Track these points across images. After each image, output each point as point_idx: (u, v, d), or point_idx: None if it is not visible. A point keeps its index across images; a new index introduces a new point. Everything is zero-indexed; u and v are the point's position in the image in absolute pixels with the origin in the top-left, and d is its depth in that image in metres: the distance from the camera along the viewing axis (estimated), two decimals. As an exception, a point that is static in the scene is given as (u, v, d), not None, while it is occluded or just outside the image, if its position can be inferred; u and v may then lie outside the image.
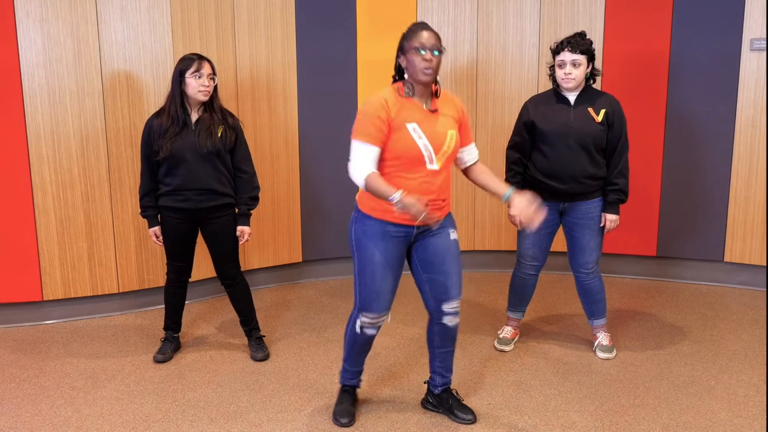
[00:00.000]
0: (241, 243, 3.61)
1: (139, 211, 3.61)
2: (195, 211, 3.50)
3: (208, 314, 4.33)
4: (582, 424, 3.04)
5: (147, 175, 3.52)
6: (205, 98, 3.43)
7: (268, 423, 3.07)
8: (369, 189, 2.70)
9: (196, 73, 3.39)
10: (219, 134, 3.45)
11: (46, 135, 3.97)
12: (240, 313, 3.75)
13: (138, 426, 3.04)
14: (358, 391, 3.22)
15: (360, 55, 4.74)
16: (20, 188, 3.98)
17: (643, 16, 4.62)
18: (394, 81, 2.85)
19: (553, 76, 3.54)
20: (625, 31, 4.66)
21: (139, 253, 4.28)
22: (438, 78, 2.81)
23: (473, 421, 3.05)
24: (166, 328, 3.77)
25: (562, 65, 3.44)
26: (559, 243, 3.96)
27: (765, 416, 3.10)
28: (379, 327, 2.97)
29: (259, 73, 4.51)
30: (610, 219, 3.55)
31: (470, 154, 2.96)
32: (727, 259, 4.75)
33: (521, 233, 3.68)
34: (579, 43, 3.40)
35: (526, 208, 2.73)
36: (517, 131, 3.60)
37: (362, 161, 2.71)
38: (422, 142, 2.73)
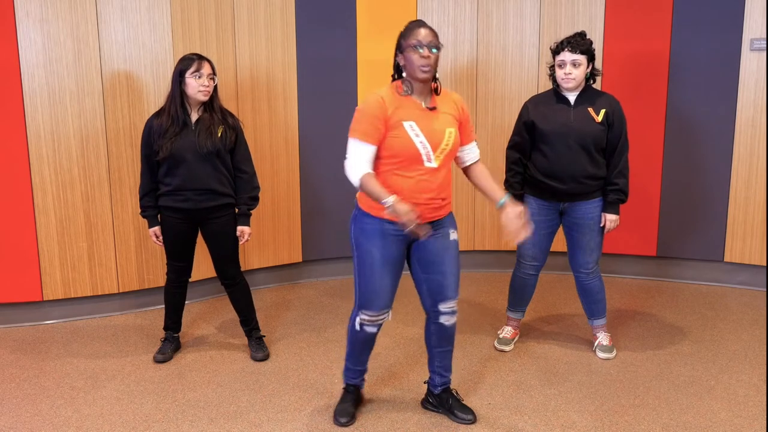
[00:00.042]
0: (241, 243, 3.61)
1: (139, 211, 3.61)
2: (195, 211, 3.50)
3: (208, 314, 4.33)
4: (582, 424, 3.04)
5: (147, 175, 3.52)
6: (205, 98, 3.43)
7: (268, 423, 3.07)
8: (363, 189, 2.72)
9: (196, 73, 3.39)
10: (219, 134, 3.45)
11: (46, 135, 3.97)
12: (240, 313, 3.75)
13: (138, 426, 3.04)
14: (363, 392, 3.22)
15: (360, 55, 4.74)
16: (20, 188, 3.98)
17: (643, 16, 4.62)
18: (394, 80, 2.85)
19: (553, 76, 3.53)
20: (625, 31, 4.66)
21: (139, 253, 4.28)
22: (438, 75, 2.82)
23: (473, 421, 3.05)
24: (166, 328, 3.77)
25: (562, 65, 3.44)
26: (559, 243, 3.95)
27: (765, 416, 3.10)
28: (379, 325, 2.97)
29: (259, 73, 4.51)
30: (610, 219, 3.55)
31: (470, 154, 2.95)
32: (727, 259, 4.75)
33: (521, 233, 3.67)
34: (579, 43, 3.40)
35: (514, 221, 2.75)
36: (517, 131, 3.60)
37: (358, 160, 2.73)
38: (419, 140, 2.73)
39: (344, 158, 2.78)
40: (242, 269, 3.74)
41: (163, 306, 3.76)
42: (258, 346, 3.72)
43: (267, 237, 4.73)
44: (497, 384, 3.40)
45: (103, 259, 4.20)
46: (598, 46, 4.62)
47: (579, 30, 3.52)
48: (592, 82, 3.54)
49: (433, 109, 2.78)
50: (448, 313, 2.97)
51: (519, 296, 3.81)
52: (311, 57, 4.66)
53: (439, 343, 3.05)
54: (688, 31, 4.56)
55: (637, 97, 4.67)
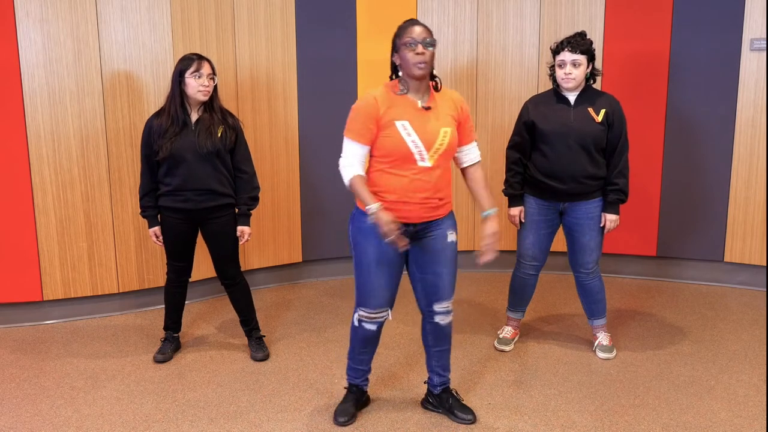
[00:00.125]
0: (241, 243, 3.61)
1: (139, 211, 3.61)
2: (195, 212, 3.50)
3: (208, 314, 4.33)
4: (582, 424, 3.04)
5: (147, 175, 3.52)
6: (205, 98, 3.43)
7: (268, 423, 3.07)
8: (352, 191, 2.76)
9: (196, 73, 3.39)
10: (219, 134, 3.45)
11: (46, 135, 3.97)
12: (240, 313, 3.75)
13: (138, 426, 3.04)
14: (368, 395, 3.22)
15: (360, 55, 4.74)
16: (20, 188, 3.98)
17: (643, 16, 4.62)
18: (391, 80, 2.86)
19: (553, 76, 3.54)
20: (625, 31, 4.66)
21: (139, 253, 4.28)
22: (436, 73, 2.82)
23: (473, 421, 3.05)
24: (166, 328, 3.77)
25: (562, 65, 3.44)
26: (559, 243, 3.96)
27: (765, 416, 3.10)
28: (379, 324, 2.97)
29: (259, 73, 4.51)
30: (610, 219, 3.55)
31: (469, 155, 2.94)
32: (727, 259, 4.75)
33: (521, 233, 3.68)
34: (579, 43, 3.40)
35: (486, 238, 2.85)
36: (517, 131, 3.60)
37: (350, 159, 2.77)
38: (411, 139, 2.73)
39: (343, 158, 2.80)
40: (242, 269, 3.74)
41: (163, 306, 3.76)
42: (258, 346, 3.72)
43: (267, 237, 4.73)
44: (497, 384, 3.40)
45: (103, 259, 4.20)
46: (598, 46, 4.62)
47: (579, 30, 3.52)
48: (592, 82, 3.54)
49: (428, 108, 2.78)
50: (443, 312, 2.97)
51: (519, 296, 3.81)
52: (311, 57, 4.66)
53: (436, 342, 3.05)
54: (688, 31, 4.56)
55: (637, 97, 4.67)
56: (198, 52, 3.67)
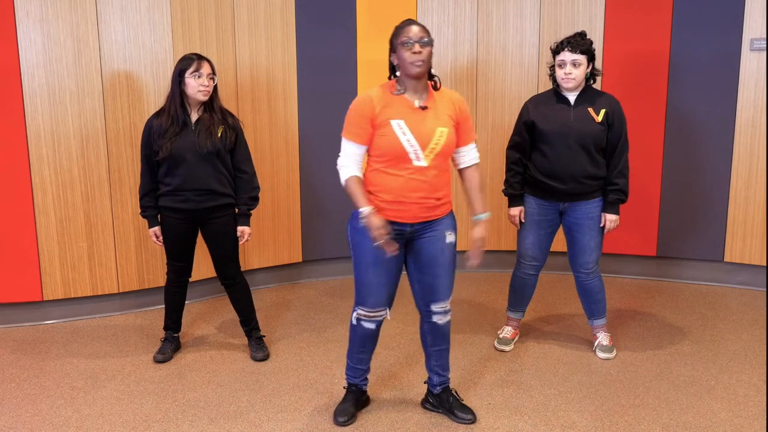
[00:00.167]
0: (241, 243, 3.61)
1: (139, 211, 3.61)
2: (195, 212, 3.50)
3: (208, 314, 4.33)
4: (582, 424, 3.04)
5: (147, 175, 3.52)
6: (205, 98, 3.43)
7: (268, 423, 3.07)
8: (346, 192, 2.80)
9: (196, 73, 3.39)
10: (219, 134, 3.45)
11: (46, 135, 3.97)
12: (240, 313, 3.75)
13: (138, 426, 3.04)
14: (369, 394, 3.22)
15: (360, 55, 4.74)
16: (20, 188, 3.98)
17: (643, 16, 4.62)
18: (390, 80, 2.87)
19: (553, 76, 3.54)
20: (625, 31, 4.66)
21: (139, 253, 4.28)
22: (435, 72, 2.83)
23: (473, 421, 3.05)
24: (166, 328, 3.77)
25: (562, 65, 3.44)
26: (559, 243, 3.96)
27: (765, 416, 3.10)
28: (377, 322, 2.97)
29: (259, 73, 4.51)
30: (610, 219, 3.55)
31: (466, 156, 2.94)
32: (727, 259, 4.75)
33: (521, 233, 3.68)
34: (579, 43, 3.40)
35: (473, 243, 2.87)
36: (517, 131, 3.60)
37: (347, 160, 2.81)
38: (406, 139, 2.73)
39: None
40: (242, 269, 3.74)
41: (163, 306, 3.76)
42: (258, 346, 3.72)
43: (267, 237, 4.73)
44: (497, 384, 3.40)
45: (103, 259, 4.20)
46: (598, 46, 4.62)
47: (579, 30, 3.52)
48: (592, 82, 3.54)
49: (424, 108, 2.78)
50: (441, 312, 2.98)
51: (519, 296, 3.81)
52: (311, 57, 4.66)
53: (434, 342, 3.05)
54: (688, 31, 4.56)
55: (637, 97, 4.67)
56: (198, 52, 3.67)
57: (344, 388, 3.18)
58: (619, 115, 3.49)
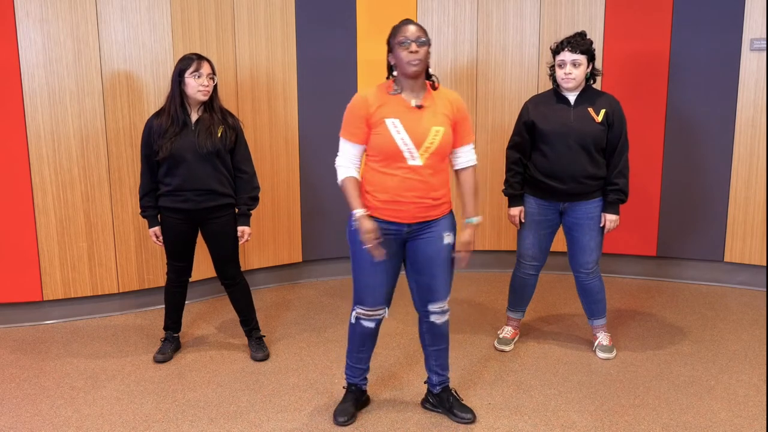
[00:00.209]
0: (241, 243, 3.61)
1: (139, 211, 3.61)
2: (195, 212, 3.50)
3: (208, 314, 4.33)
4: (582, 424, 3.04)
5: (147, 175, 3.52)
6: (205, 98, 3.43)
7: (268, 423, 3.07)
8: (342, 192, 2.83)
9: (196, 73, 3.39)
10: (219, 134, 3.45)
11: (46, 135, 3.97)
12: (240, 313, 3.75)
13: (138, 426, 3.04)
14: (368, 393, 3.22)
15: (360, 55, 4.74)
16: (20, 188, 3.98)
17: (643, 16, 4.62)
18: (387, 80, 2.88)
19: (553, 76, 3.54)
20: (625, 31, 4.66)
21: (139, 253, 4.28)
22: (432, 72, 2.83)
23: (473, 420, 3.05)
24: (166, 328, 3.77)
25: (562, 65, 3.44)
26: (559, 243, 3.96)
27: (765, 416, 3.10)
28: (376, 321, 2.98)
29: (259, 73, 4.51)
30: (610, 219, 3.55)
31: (462, 157, 2.93)
32: (727, 259, 4.75)
33: (521, 233, 3.68)
34: (579, 43, 3.40)
35: (461, 246, 2.89)
36: (517, 131, 3.60)
37: (344, 160, 2.85)
38: (400, 137, 2.74)
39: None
40: (242, 269, 3.74)
41: (163, 306, 3.76)
42: (258, 346, 3.72)
43: (267, 237, 4.73)
44: (497, 384, 3.40)
45: (103, 259, 4.20)
46: (598, 46, 4.62)
47: (579, 30, 3.52)
48: (592, 82, 3.54)
49: (420, 107, 2.78)
50: (438, 312, 2.98)
51: (519, 296, 3.81)
52: (311, 57, 4.66)
53: (433, 341, 3.05)
54: (688, 31, 4.56)
55: (637, 97, 4.67)
56: (198, 52, 3.67)
57: (344, 388, 3.18)
58: (619, 115, 3.49)
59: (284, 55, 4.58)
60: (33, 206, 4.01)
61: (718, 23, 4.49)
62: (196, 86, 3.39)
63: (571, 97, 3.49)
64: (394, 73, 2.80)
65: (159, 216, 3.58)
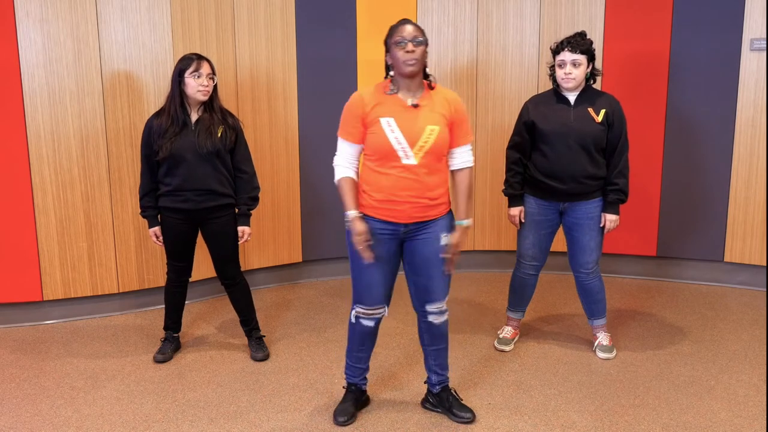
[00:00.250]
0: (241, 243, 3.61)
1: (139, 211, 3.61)
2: (195, 212, 3.50)
3: (208, 314, 4.33)
4: (582, 424, 3.04)
5: (147, 175, 3.52)
6: (205, 98, 3.43)
7: (268, 423, 3.07)
8: (338, 192, 2.85)
9: (195, 73, 3.39)
10: (219, 134, 3.45)
11: (46, 135, 3.97)
12: (240, 313, 3.75)
13: (138, 426, 3.04)
14: (368, 393, 3.22)
15: (360, 55, 4.74)
16: (20, 188, 3.98)
17: (643, 16, 4.62)
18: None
19: (553, 76, 3.54)
20: (625, 31, 4.66)
21: (139, 253, 4.28)
22: (431, 72, 2.84)
23: (472, 420, 3.05)
24: (166, 328, 3.77)
25: (562, 65, 3.44)
26: (559, 243, 3.96)
27: (765, 416, 3.10)
28: (376, 320, 2.98)
29: (259, 73, 4.51)
30: (610, 219, 3.55)
31: (458, 158, 2.91)
32: (727, 259, 4.75)
33: (521, 233, 3.68)
34: (579, 43, 3.40)
35: (449, 248, 2.88)
36: (517, 131, 3.60)
37: (342, 158, 2.88)
38: (394, 136, 2.74)
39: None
40: (242, 269, 3.74)
41: (163, 306, 3.76)
42: (258, 346, 3.72)
43: (267, 237, 4.73)
44: (497, 384, 3.40)
45: (103, 259, 4.20)
46: (598, 46, 4.62)
47: (579, 30, 3.52)
48: (592, 82, 3.54)
49: (416, 106, 2.78)
50: (436, 312, 2.98)
51: (519, 296, 3.81)
52: (311, 57, 4.66)
53: (432, 341, 3.05)
54: (688, 31, 4.56)
55: (637, 97, 4.67)
56: (198, 52, 3.67)
57: (344, 387, 3.18)
58: (619, 115, 3.49)
59: (284, 55, 4.58)
60: (33, 206, 4.01)
61: (718, 23, 4.49)
62: (195, 86, 3.39)
63: (571, 97, 3.49)
64: (392, 73, 2.81)
65: (159, 216, 3.58)
